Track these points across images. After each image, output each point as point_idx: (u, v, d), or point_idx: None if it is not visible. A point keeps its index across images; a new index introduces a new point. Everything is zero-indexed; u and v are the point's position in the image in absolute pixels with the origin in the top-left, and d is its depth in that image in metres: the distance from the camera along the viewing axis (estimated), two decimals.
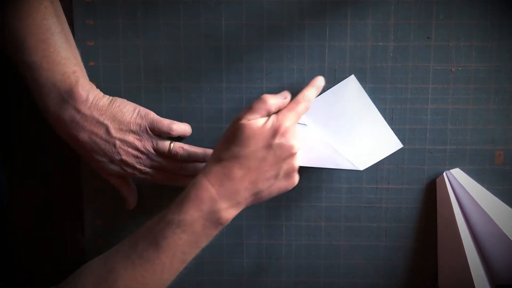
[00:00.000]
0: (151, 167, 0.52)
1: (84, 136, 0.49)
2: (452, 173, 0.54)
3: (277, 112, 0.47)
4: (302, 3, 0.53)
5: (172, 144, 0.52)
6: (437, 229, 0.55)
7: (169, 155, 0.52)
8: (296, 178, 0.47)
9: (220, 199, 0.44)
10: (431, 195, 0.55)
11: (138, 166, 0.52)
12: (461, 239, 0.51)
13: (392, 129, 0.54)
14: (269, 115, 0.47)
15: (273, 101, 0.47)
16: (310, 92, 0.49)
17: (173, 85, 0.55)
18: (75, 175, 0.57)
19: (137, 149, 0.51)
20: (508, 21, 0.53)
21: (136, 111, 0.52)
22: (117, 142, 0.50)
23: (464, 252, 0.51)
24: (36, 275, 0.58)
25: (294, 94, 0.54)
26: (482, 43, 0.53)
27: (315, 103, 0.54)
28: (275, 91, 0.54)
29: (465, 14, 0.53)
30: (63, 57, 0.48)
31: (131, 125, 0.51)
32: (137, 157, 0.51)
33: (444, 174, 0.54)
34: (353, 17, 0.53)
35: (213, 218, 0.44)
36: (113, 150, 0.50)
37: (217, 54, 0.54)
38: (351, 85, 0.54)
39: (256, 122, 0.45)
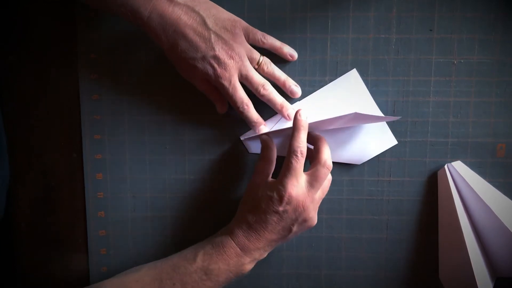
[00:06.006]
0: (237, 75, 0.50)
1: (178, 29, 0.47)
2: (454, 165, 0.54)
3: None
4: None
5: (261, 58, 0.52)
6: (438, 222, 0.55)
7: (257, 67, 0.52)
8: (314, 221, 0.51)
9: (244, 255, 0.50)
10: (433, 188, 0.55)
11: (229, 66, 0.49)
12: (462, 232, 0.51)
13: (393, 121, 0.54)
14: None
15: (273, 156, 0.52)
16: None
17: (175, 79, 0.54)
18: (77, 170, 0.57)
19: (231, 48, 0.49)
20: (511, 14, 0.52)
21: (230, 14, 0.50)
22: (213, 36, 0.48)
23: (465, 245, 0.51)
24: (38, 272, 0.58)
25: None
26: (485, 36, 0.53)
27: (316, 96, 0.54)
28: (277, 85, 0.54)
29: (468, 6, 0.53)
30: None
31: (227, 23, 0.49)
32: (231, 57, 0.49)
33: (446, 166, 0.54)
34: (356, 10, 0.53)
35: (237, 270, 0.50)
36: (207, 44, 0.48)
37: None
38: (352, 79, 0.54)
39: (263, 191, 0.49)
